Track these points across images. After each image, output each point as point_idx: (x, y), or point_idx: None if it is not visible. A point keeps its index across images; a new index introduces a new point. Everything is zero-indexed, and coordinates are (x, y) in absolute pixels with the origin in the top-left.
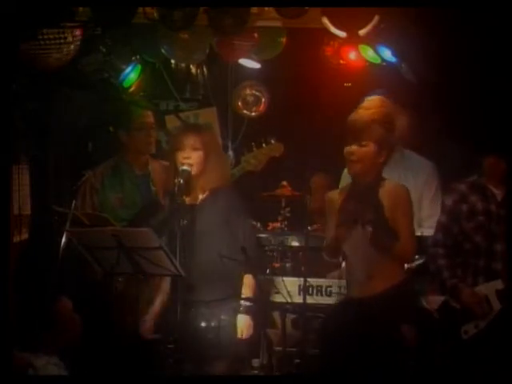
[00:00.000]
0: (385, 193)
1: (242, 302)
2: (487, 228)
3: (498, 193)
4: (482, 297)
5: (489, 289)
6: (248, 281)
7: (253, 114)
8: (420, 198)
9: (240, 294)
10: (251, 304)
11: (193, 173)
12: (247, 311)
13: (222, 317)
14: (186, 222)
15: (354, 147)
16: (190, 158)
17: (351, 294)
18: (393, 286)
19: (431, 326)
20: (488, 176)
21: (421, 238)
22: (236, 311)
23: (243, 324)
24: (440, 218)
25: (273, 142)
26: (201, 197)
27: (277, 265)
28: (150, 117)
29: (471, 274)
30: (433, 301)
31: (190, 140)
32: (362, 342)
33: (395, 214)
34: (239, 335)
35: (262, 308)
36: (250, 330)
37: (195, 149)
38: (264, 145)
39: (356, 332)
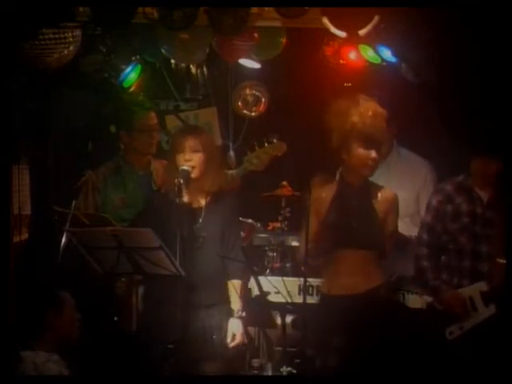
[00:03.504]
0: (374, 195)
1: (238, 306)
2: (472, 230)
3: (484, 195)
4: (465, 298)
5: (473, 290)
6: (238, 285)
7: (253, 114)
8: (417, 198)
9: (238, 296)
10: (245, 308)
11: (195, 175)
12: (241, 316)
13: (223, 318)
14: (189, 225)
15: (373, 153)
16: (191, 160)
17: (334, 292)
18: (377, 287)
19: (417, 327)
20: (475, 177)
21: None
22: (234, 314)
23: (236, 328)
24: (425, 218)
25: (275, 141)
26: (203, 200)
27: (277, 265)
28: (153, 118)
29: (456, 276)
30: (419, 301)
31: (190, 142)
32: (348, 341)
33: (387, 218)
34: (232, 339)
35: (261, 308)
36: (243, 335)
37: (195, 151)
38: (266, 144)
39: (341, 331)
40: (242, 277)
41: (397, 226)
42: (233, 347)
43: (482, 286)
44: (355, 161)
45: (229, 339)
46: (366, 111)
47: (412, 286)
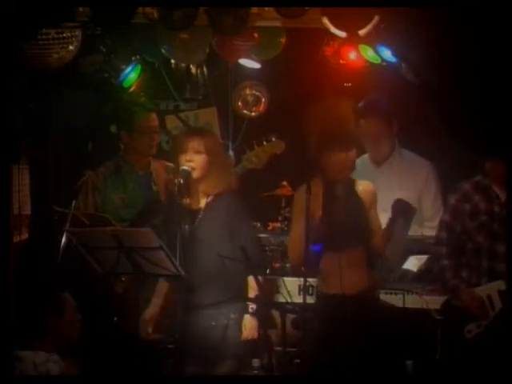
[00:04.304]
0: (359, 192)
1: (248, 303)
2: (489, 228)
3: (502, 194)
4: (483, 299)
5: (491, 289)
6: (251, 282)
7: (253, 114)
8: (419, 198)
9: (241, 295)
10: (255, 305)
11: (195, 176)
12: (252, 312)
13: (223, 318)
14: (188, 225)
15: (351, 154)
16: (193, 161)
17: (330, 291)
18: (374, 285)
19: (433, 326)
20: (492, 177)
21: (421, 239)
22: (238, 312)
23: (249, 325)
24: (443, 217)
25: (274, 139)
26: (204, 201)
27: (277, 265)
28: (154, 120)
29: (474, 275)
30: (433, 301)
31: (194, 143)
32: (355, 340)
33: (370, 212)
34: (244, 335)
35: (263, 308)
36: (255, 330)
37: (198, 152)
38: (265, 142)
39: (348, 329)
40: (253, 273)
41: (379, 221)
42: (243, 342)
43: (500, 284)
44: (332, 166)
45: (240, 334)
46: (331, 115)
47: (414, 284)
